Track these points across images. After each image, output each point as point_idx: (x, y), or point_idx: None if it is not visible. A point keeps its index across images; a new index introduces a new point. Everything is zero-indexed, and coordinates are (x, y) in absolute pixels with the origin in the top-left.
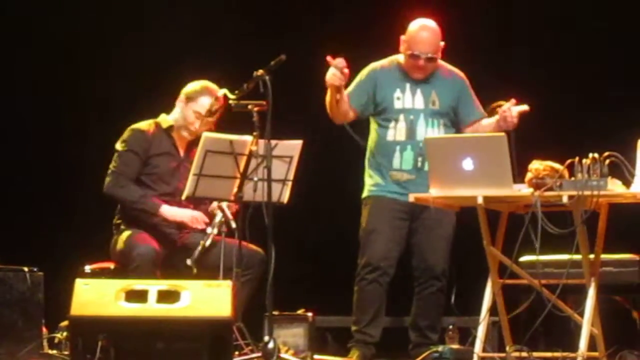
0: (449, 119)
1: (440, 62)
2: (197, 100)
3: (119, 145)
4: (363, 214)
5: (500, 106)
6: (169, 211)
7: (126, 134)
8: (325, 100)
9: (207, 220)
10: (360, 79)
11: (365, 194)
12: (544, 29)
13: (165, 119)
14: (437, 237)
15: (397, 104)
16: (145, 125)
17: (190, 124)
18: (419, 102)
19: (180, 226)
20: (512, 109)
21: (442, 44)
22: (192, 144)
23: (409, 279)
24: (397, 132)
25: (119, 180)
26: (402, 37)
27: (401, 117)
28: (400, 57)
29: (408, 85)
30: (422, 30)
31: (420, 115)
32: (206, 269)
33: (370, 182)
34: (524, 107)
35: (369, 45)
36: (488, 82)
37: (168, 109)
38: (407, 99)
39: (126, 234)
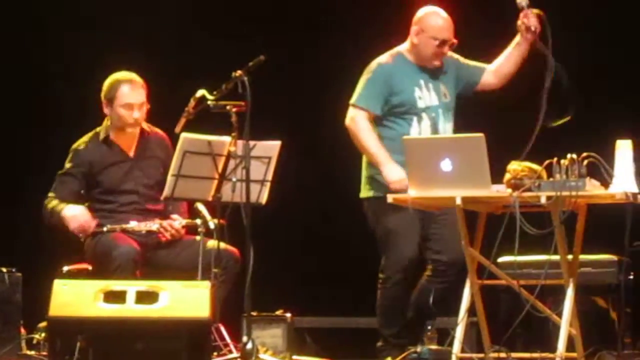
0: (455, 110)
1: None
2: (118, 94)
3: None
4: (385, 213)
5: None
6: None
7: (68, 156)
8: None
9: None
10: (371, 81)
11: (380, 193)
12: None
13: (104, 128)
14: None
15: (420, 103)
16: (83, 142)
17: (128, 118)
18: (434, 97)
19: (152, 231)
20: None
21: None
22: (144, 140)
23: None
24: (422, 130)
25: (46, 201)
26: (415, 27)
27: (424, 115)
28: (401, 49)
29: (422, 82)
30: (442, 16)
31: (438, 111)
32: (183, 269)
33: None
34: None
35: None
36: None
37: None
38: (425, 95)
39: (103, 236)
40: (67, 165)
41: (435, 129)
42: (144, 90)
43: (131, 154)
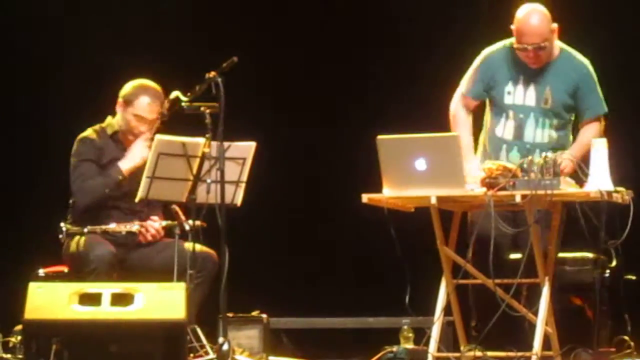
0: (561, 120)
1: (564, 47)
2: (135, 102)
3: (72, 160)
4: None
5: None
6: (126, 164)
7: (76, 146)
8: None
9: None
10: (475, 67)
11: None
12: None
13: (111, 124)
14: None
15: (507, 99)
16: (91, 132)
17: (134, 128)
18: (530, 98)
19: (132, 232)
20: None
21: (554, 26)
22: None
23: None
24: (505, 129)
25: (83, 191)
26: (512, 27)
27: (511, 113)
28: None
29: (522, 78)
30: (528, 17)
31: (530, 114)
32: (159, 271)
33: None
34: None
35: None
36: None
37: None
38: (518, 94)
39: (80, 237)
40: (79, 153)
41: (520, 132)
42: (161, 107)
43: None
